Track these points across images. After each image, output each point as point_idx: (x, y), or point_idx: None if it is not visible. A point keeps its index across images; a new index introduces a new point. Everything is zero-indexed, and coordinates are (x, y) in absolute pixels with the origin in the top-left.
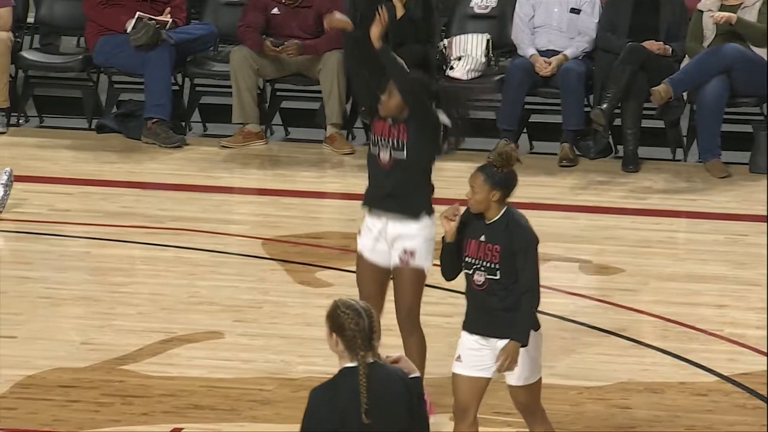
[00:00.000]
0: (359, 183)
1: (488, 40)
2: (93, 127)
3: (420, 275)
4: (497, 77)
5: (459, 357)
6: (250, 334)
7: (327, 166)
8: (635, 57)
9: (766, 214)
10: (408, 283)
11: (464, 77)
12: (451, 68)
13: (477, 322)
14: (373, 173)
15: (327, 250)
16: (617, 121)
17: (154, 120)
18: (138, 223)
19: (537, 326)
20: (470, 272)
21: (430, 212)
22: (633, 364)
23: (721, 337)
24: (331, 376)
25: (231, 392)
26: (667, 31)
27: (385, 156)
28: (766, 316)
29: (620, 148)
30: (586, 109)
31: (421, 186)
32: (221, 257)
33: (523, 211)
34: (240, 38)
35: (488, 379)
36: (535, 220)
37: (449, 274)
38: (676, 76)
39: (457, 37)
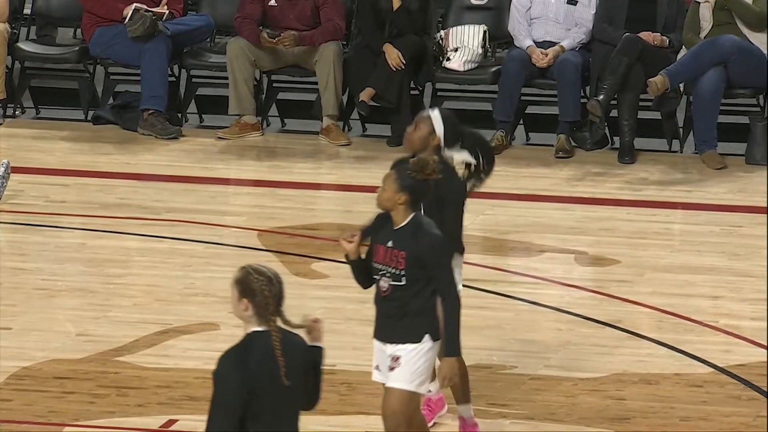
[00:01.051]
0: (355, 174)
1: (485, 32)
2: (89, 118)
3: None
4: (494, 68)
5: (377, 366)
6: None
7: (323, 157)
8: (632, 48)
9: (765, 205)
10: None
11: (461, 68)
12: (448, 59)
13: (382, 329)
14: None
15: (323, 241)
16: (614, 113)
17: (151, 111)
18: (134, 214)
19: (437, 336)
20: (377, 278)
21: None
22: (628, 355)
23: (716, 329)
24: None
25: None
26: (664, 23)
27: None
28: (765, 307)
29: (616, 139)
30: (583, 100)
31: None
32: (217, 248)
33: (520, 203)
34: (237, 29)
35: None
36: (531, 211)
37: (363, 284)
38: (672, 68)
39: (454, 28)
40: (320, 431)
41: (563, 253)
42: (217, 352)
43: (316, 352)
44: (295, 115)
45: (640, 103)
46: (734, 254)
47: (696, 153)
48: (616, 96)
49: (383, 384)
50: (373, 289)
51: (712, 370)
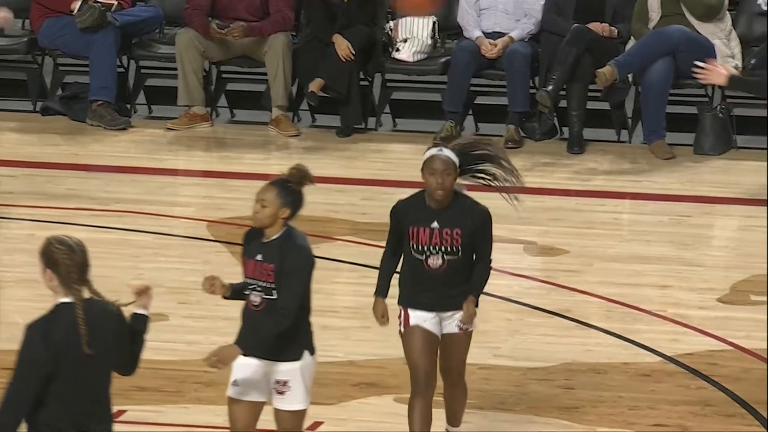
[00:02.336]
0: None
1: (434, 23)
2: (38, 109)
3: (470, 338)
4: (443, 59)
5: (235, 382)
6: (195, 316)
7: (272, 148)
8: (581, 39)
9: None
10: (465, 346)
11: (410, 59)
12: (397, 50)
13: (253, 344)
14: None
15: None
16: (562, 103)
17: (99, 102)
18: (82, 205)
19: (312, 350)
20: (248, 293)
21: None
22: (577, 344)
23: (665, 318)
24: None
25: (175, 374)
26: (612, 13)
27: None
28: (712, 298)
29: (565, 129)
30: (532, 91)
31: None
32: (166, 239)
33: (469, 193)
34: (186, 20)
35: (263, 403)
36: (481, 201)
37: (232, 297)
38: (621, 58)
39: (403, 19)
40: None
41: (512, 243)
42: (165, 343)
43: (140, 320)
44: (245, 106)
45: (589, 94)
46: (683, 244)
47: (644, 143)
48: (565, 86)
49: (235, 398)
50: None
51: (661, 359)
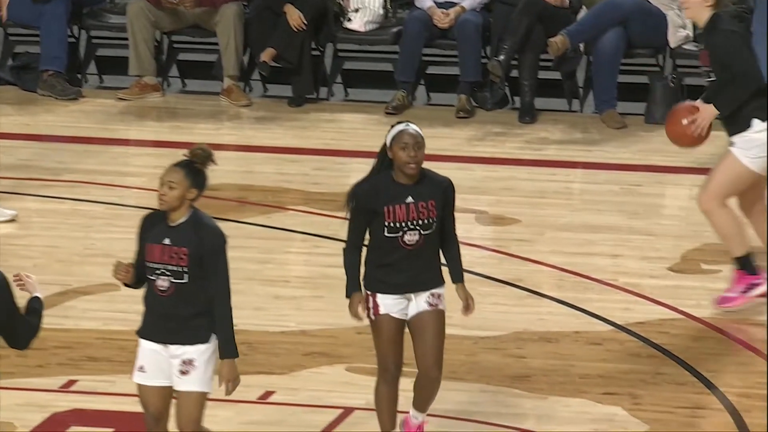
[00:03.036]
0: (256, 135)
1: None
2: None
3: (443, 319)
4: (395, 29)
5: (142, 367)
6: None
7: (224, 117)
8: (532, 8)
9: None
10: (437, 326)
11: (362, 29)
12: (349, 20)
13: (158, 330)
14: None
15: (224, 201)
16: (514, 73)
17: (50, 72)
18: (34, 175)
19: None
20: (153, 278)
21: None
22: (529, 313)
23: (616, 287)
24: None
25: (127, 344)
26: None
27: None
28: (665, 266)
29: (517, 99)
30: (484, 60)
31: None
32: (117, 209)
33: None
34: None
35: (172, 387)
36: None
37: (134, 286)
38: (572, 28)
39: None
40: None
41: (464, 213)
42: (117, 313)
43: (34, 301)
44: (196, 75)
45: (541, 63)
46: (634, 213)
47: (596, 113)
48: (516, 56)
49: (144, 384)
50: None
51: (612, 327)
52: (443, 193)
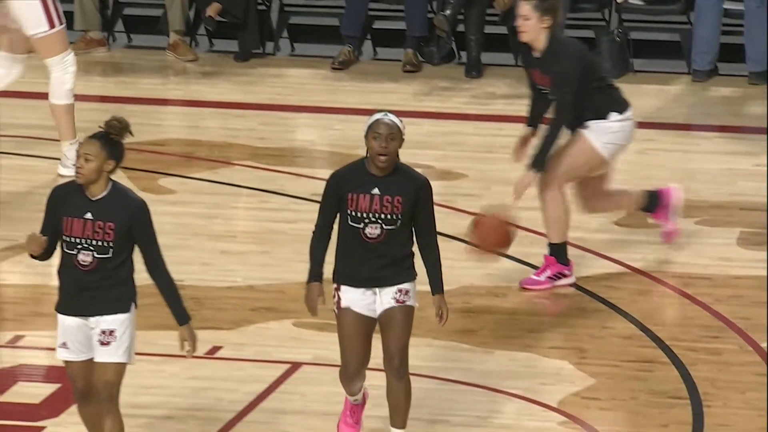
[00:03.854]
0: (202, 90)
1: None
2: None
3: (411, 316)
4: None
5: (64, 344)
6: None
7: (170, 73)
8: None
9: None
10: (404, 324)
11: None
12: None
13: (80, 304)
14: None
15: (170, 156)
16: (461, 27)
17: None
18: None
19: (136, 303)
20: (74, 252)
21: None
22: (475, 268)
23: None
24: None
25: None
26: None
27: (374, 230)
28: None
29: (464, 54)
30: (430, 15)
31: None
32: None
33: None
34: None
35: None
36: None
37: (41, 258)
38: None
39: None
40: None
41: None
42: None
43: None
44: (142, 30)
45: (487, 18)
46: None
47: None
48: (462, 11)
49: (69, 360)
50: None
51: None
52: (415, 191)
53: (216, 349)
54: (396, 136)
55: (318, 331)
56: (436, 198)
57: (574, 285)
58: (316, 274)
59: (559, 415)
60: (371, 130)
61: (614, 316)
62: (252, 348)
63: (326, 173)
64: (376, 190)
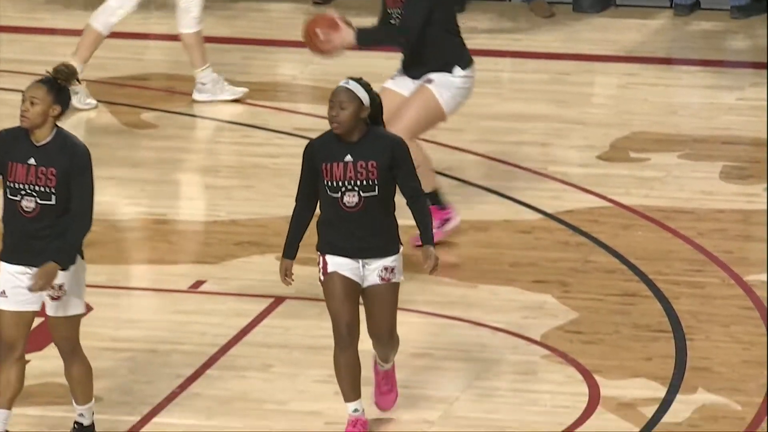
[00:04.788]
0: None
1: None
2: None
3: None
4: None
5: (3, 292)
6: None
7: (152, 7)
8: None
9: (598, 54)
10: (390, 301)
11: None
12: None
13: (21, 252)
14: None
15: (153, 91)
16: None
17: None
18: None
19: (82, 253)
20: (17, 198)
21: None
22: (458, 202)
23: (545, 175)
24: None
25: None
26: None
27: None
28: (593, 155)
29: None
30: None
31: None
32: None
33: (349, 52)
34: None
35: (34, 312)
36: (360, 60)
37: None
38: None
39: None
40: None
41: None
42: None
43: None
44: None
45: None
46: (562, 102)
47: (524, 1)
48: None
49: (6, 311)
50: None
51: (541, 216)
52: (389, 152)
53: (199, 283)
54: (348, 104)
55: (301, 266)
56: None
57: (554, 217)
58: (288, 250)
59: (542, 348)
60: (329, 99)
61: (597, 250)
62: (235, 282)
63: (308, 108)
64: (348, 157)
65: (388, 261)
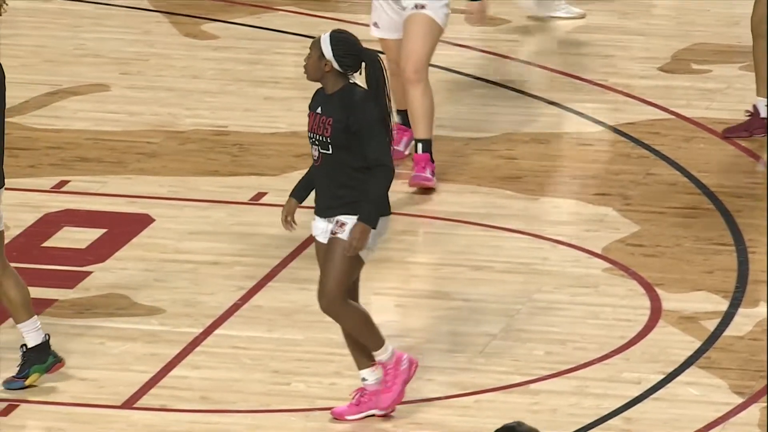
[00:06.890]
0: None
1: None
2: None
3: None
4: None
5: None
6: (137, 87)
7: None
8: None
9: None
10: (332, 255)
11: None
12: None
13: None
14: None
15: (212, 2)
16: None
17: None
18: None
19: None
20: None
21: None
22: (519, 114)
23: (607, 87)
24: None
25: (118, 145)
26: None
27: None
28: (655, 67)
29: None
30: None
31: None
32: (106, 9)
33: None
34: None
35: None
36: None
37: None
38: None
39: None
40: (214, 191)
41: (453, 14)
42: (108, 113)
43: None
44: None
45: None
46: (623, 13)
47: None
48: None
49: None
50: None
51: (603, 128)
52: (349, 110)
53: (260, 195)
54: (312, 53)
55: None
56: (478, 43)
57: (616, 129)
58: (297, 190)
59: (603, 261)
60: None
61: (658, 163)
62: None
63: (368, 19)
64: (319, 110)
65: (345, 217)
